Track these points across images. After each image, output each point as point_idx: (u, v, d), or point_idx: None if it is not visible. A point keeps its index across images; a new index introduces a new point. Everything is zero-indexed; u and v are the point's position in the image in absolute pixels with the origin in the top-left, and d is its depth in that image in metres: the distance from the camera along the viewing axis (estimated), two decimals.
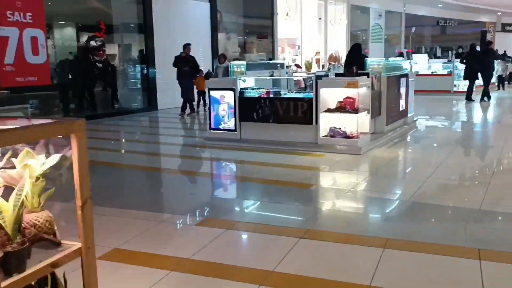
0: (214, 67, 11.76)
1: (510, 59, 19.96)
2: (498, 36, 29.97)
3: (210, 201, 4.67)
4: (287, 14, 17.83)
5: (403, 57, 18.81)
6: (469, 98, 13.26)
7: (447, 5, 25.18)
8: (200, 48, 14.17)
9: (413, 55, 17.80)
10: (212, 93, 7.67)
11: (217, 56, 12.32)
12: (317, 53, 20.36)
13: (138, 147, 8.28)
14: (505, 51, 22.32)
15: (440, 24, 28.01)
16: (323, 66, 19.69)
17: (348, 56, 8.48)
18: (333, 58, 20.29)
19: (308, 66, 19.12)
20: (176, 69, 11.05)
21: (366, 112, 7.04)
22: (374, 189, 5.16)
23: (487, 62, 13.15)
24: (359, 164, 6.26)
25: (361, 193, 4.90)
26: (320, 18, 20.79)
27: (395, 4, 24.09)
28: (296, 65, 12.53)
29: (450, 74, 15.38)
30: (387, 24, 24.53)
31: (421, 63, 16.24)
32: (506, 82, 17.92)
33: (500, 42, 29.27)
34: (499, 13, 28.78)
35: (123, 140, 9.19)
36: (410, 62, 16.16)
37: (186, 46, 11.07)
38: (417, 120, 9.63)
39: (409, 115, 9.14)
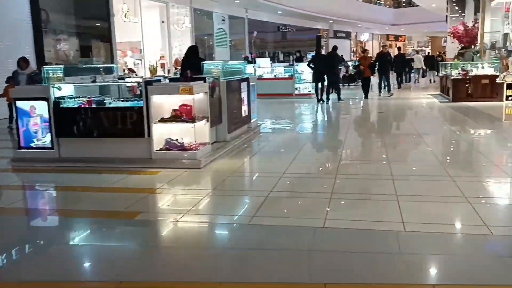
0: (12, 73, 9.71)
1: (344, 62, 21.40)
2: (331, 42, 32.35)
3: None
4: (125, 16, 16.48)
5: (249, 61, 18.89)
6: (319, 100, 13.99)
7: (285, 12, 26.22)
8: (27, 51, 12.11)
9: (257, 59, 17.92)
10: (19, 104, 6.22)
11: (18, 61, 9.73)
12: (162, 57, 19.36)
13: None
14: (342, 55, 23.98)
15: (281, 30, 29.16)
16: (168, 71, 18.77)
17: (184, 59, 7.75)
18: (179, 63, 19.50)
19: (153, 71, 18.04)
20: None
21: (205, 120, 6.34)
22: (210, 212, 4.42)
23: (333, 66, 14.07)
24: (198, 180, 5.50)
25: (193, 220, 4.11)
26: (163, 21, 19.85)
27: (237, 9, 24.25)
28: (129, 69, 11.33)
29: (291, 77, 15.70)
30: (232, 29, 24.58)
31: (264, 67, 16.33)
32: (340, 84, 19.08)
33: None
34: (331, 21, 31.08)
35: None
36: (254, 66, 16.17)
37: None
38: (261, 125, 9.30)
39: (252, 121, 8.73)
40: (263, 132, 8.94)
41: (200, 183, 5.44)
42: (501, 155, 6.68)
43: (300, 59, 18.69)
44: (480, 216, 3.83)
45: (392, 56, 18.98)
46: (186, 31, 20.82)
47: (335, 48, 15.05)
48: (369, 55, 16.68)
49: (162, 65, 19.05)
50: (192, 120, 5.96)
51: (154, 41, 19.39)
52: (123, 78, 7.67)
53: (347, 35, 34.10)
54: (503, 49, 14.24)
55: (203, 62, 7.16)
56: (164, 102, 6.13)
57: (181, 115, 6.01)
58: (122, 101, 6.18)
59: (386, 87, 15.89)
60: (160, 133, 6.08)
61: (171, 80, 6.34)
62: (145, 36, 18.56)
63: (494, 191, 4.82)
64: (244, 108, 8.24)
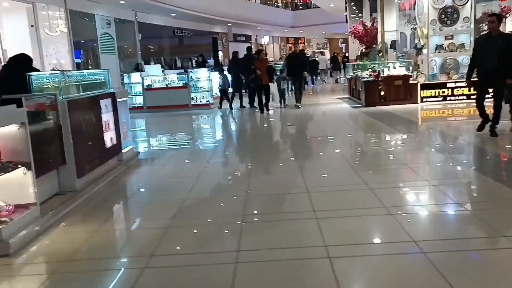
0: None
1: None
2: (232, 45, 30.50)
3: None
4: None
5: (140, 69, 16.22)
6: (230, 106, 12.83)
7: (180, 14, 23.80)
8: None
9: (145, 66, 15.32)
10: None
11: None
12: None
13: None
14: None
15: (177, 34, 26.62)
16: None
17: (1, 73, 5.09)
18: None
19: None
20: None
21: (24, 168, 3.84)
22: None
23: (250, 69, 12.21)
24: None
25: None
26: (32, 26, 16.48)
27: (125, 12, 21.32)
28: None
29: (186, 86, 13.35)
30: (121, 34, 21.63)
31: (154, 75, 13.81)
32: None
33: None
34: (230, 24, 29.17)
35: None
36: (141, 75, 13.64)
37: None
38: (139, 153, 6.92)
39: (125, 150, 6.32)
40: (143, 162, 6.57)
41: None
42: (429, 168, 5.02)
43: (203, 64, 16.46)
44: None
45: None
46: (62, 37, 17.56)
47: (250, 48, 13.55)
48: (265, 56, 13.61)
49: None
50: None
51: (22, 49, 15.97)
52: None
53: (247, 39, 32.43)
54: (412, 48, 13.22)
55: (31, 74, 4.59)
56: None
57: None
58: None
59: (295, 97, 12.51)
60: None
61: None
62: (8, 43, 15.15)
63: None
64: (110, 135, 5.82)
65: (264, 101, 11.67)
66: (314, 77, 22.32)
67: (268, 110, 11.72)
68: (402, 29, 18.25)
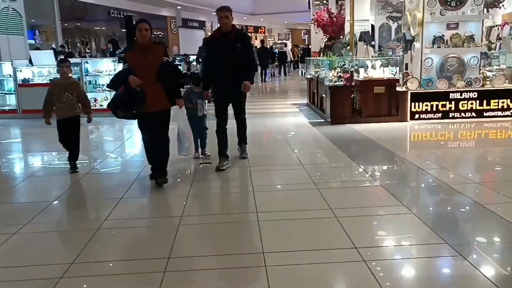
0: None
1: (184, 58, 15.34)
2: (182, 32, 26.05)
3: None
4: None
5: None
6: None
7: None
8: None
9: (32, 52, 10.84)
10: None
11: None
12: None
13: None
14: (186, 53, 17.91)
15: (114, 16, 21.93)
16: None
17: None
18: None
19: None
20: None
21: None
22: None
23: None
24: None
25: None
26: None
27: None
28: None
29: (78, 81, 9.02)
30: (34, 11, 16.86)
31: (43, 65, 9.40)
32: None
33: (185, 38, 25.53)
34: (179, 7, 24.69)
35: None
36: (13, 65, 9.25)
37: None
38: None
39: None
40: None
41: None
42: None
43: (113, 53, 12.16)
44: None
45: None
46: None
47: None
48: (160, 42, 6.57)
49: None
50: None
51: None
52: None
53: (201, 25, 28.02)
54: (395, 41, 9.44)
55: None
56: None
57: None
58: None
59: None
60: None
61: None
62: None
63: None
64: None
65: (158, 152, 4.40)
66: (284, 69, 21.08)
67: (164, 180, 4.36)
68: (371, 20, 15.27)
